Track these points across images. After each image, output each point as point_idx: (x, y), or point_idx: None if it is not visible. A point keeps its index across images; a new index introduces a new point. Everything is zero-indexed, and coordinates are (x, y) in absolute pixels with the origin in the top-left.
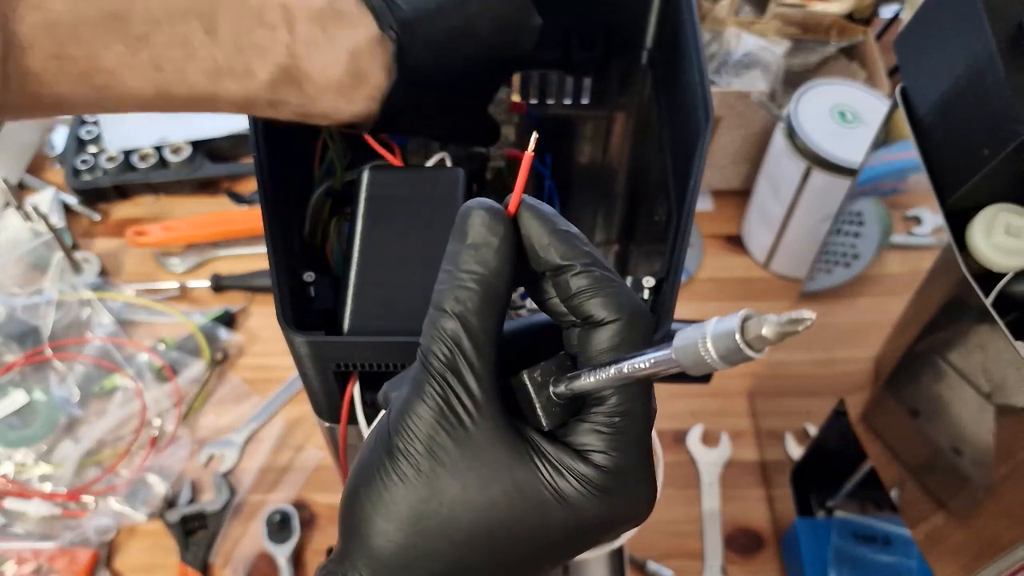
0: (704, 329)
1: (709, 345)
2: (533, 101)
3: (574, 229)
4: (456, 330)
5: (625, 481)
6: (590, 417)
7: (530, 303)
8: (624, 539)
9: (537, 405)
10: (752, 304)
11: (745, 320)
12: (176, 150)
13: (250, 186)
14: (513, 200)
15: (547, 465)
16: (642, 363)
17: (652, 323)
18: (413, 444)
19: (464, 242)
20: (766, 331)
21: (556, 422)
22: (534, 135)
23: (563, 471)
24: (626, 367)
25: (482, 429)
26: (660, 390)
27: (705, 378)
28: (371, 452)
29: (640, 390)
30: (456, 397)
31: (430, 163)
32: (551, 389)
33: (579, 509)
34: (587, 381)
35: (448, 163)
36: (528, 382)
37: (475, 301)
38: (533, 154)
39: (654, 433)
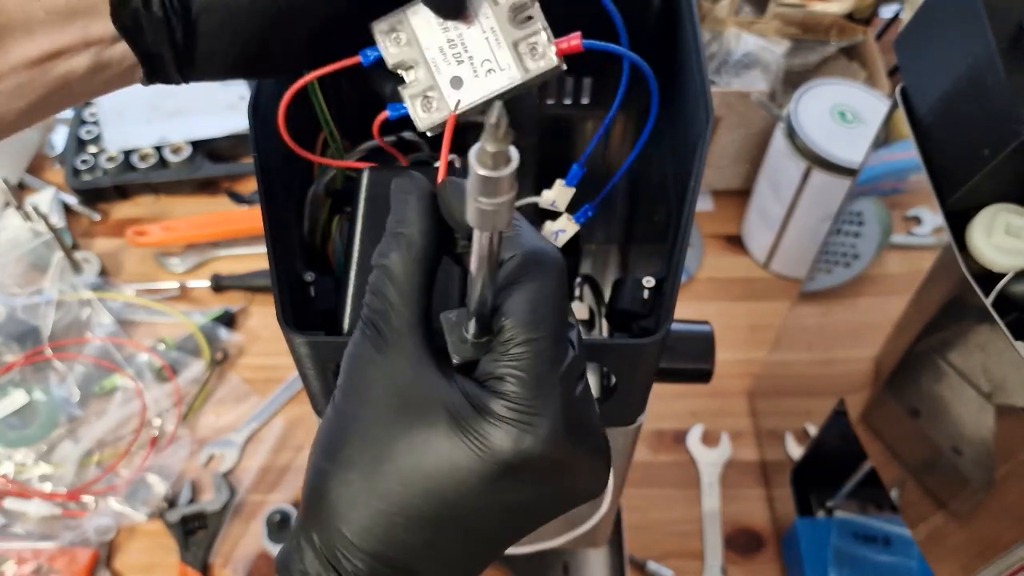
0: (468, 187)
1: (474, 195)
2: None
3: None
4: (379, 279)
5: (528, 414)
6: (494, 349)
7: None
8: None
9: (448, 342)
10: (752, 304)
11: (475, 153)
12: (176, 150)
13: (250, 186)
14: (441, 171)
15: (456, 395)
16: (472, 247)
17: (556, 260)
18: (345, 383)
19: (391, 209)
20: (480, 145)
21: (465, 356)
22: (456, 101)
23: (468, 399)
24: (470, 255)
25: (401, 364)
26: (660, 390)
27: (705, 378)
28: (329, 407)
29: (534, 316)
30: (381, 336)
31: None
32: (461, 328)
33: (485, 442)
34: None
35: (458, 164)
36: (444, 322)
37: (398, 253)
38: (456, 116)
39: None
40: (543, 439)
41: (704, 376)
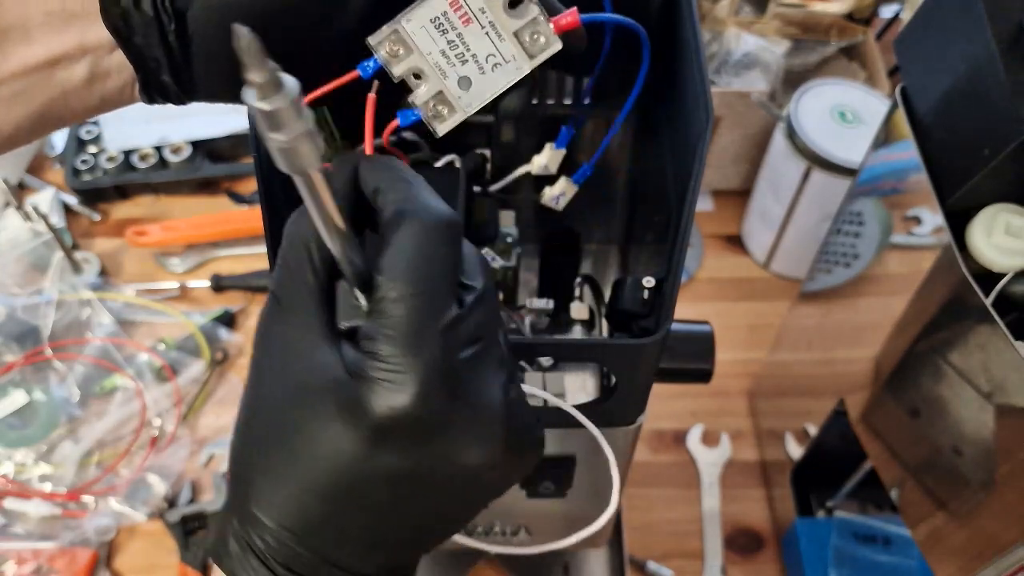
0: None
1: (266, 135)
2: (534, 101)
3: (401, 165)
4: (284, 247)
5: (396, 372)
6: (371, 309)
7: (530, 303)
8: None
9: (338, 309)
10: (752, 304)
11: (244, 91)
12: (176, 150)
13: (250, 186)
14: (366, 147)
15: (336, 362)
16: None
17: (437, 213)
18: (252, 358)
19: None
20: (246, 80)
21: (351, 322)
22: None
23: (346, 365)
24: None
25: (294, 334)
26: (660, 390)
27: (705, 378)
28: None
29: (414, 277)
30: (280, 306)
31: (438, 164)
32: (352, 295)
33: (357, 402)
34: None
35: (457, 164)
36: (339, 290)
37: (306, 221)
38: (375, 96)
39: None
40: (412, 396)
41: (704, 376)
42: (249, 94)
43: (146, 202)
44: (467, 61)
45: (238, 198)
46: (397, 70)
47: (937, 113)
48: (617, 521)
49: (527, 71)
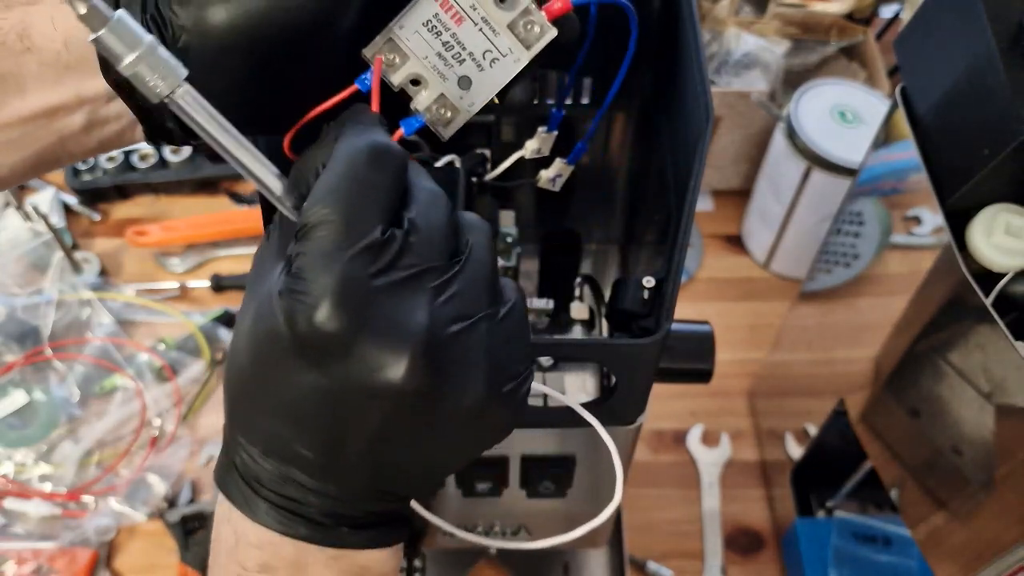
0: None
1: (121, 58)
2: (534, 101)
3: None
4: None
5: (303, 289)
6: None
7: (530, 303)
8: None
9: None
10: (752, 304)
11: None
12: (176, 150)
13: (250, 186)
14: (373, 103)
15: (274, 279)
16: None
17: (371, 143)
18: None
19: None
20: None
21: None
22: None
23: (277, 282)
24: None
25: (265, 253)
26: (660, 390)
27: (705, 378)
28: None
29: (333, 201)
30: (271, 225)
31: (439, 164)
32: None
33: (274, 316)
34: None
35: (457, 164)
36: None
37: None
38: (381, 58)
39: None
40: (314, 310)
41: (704, 376)
42: (85, 30)
43: (146, 202)
44: (464, 60)
45: (238, 198)
46: (396, 79)
47: (937, 113)
48: (617, 521)
49: (526, 62)
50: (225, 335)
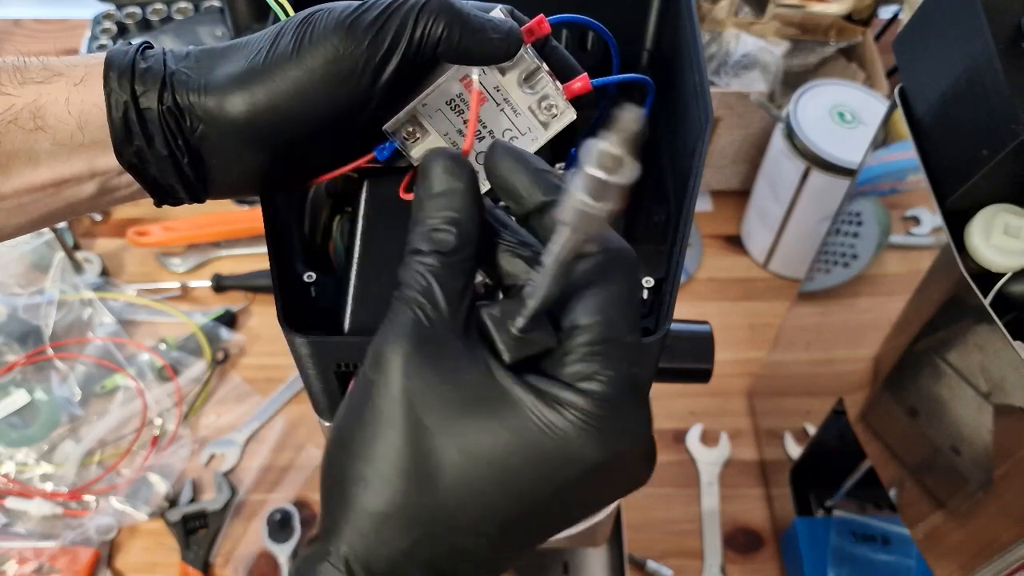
0: (574, 184)
1: (580, 195)
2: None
3: (546, 164)
4: (433, 264)
5: (619, 412)
6: (574, 347)
7: None
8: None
9: (497, 339)
10: (751, 304)
11: (597, 153)
12: None
13: None
14: (467, 141)
15: (535, 397)
16: (555, 243)
17: (634, 260)
18: (389, 374)
19: (431, 191)
20: (605, 146)
21: (519, 355)
22: (475, 75)
23: (552, 402)
24: (546, 253)
25: (461, 356)
26: (660, 390)
27: (705, 378)
28: (349, 401)
29: (622, 318)
30: (430, 321)
31: None
32: (510, 325)
33: (573, 443)
34: (530, 292)
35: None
36: (488, 318)
37: (451, 241)
38: (481, 91)
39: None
40: (632, 439)
41: (703, 376)
42: (600, 163)
43: (147, 202)
44: (483, 138)
45: (239, 198)
46: (415, 152)
47: (936, 113)
48: (616, 519)
49: (543, 142)
50: (226, 334)
